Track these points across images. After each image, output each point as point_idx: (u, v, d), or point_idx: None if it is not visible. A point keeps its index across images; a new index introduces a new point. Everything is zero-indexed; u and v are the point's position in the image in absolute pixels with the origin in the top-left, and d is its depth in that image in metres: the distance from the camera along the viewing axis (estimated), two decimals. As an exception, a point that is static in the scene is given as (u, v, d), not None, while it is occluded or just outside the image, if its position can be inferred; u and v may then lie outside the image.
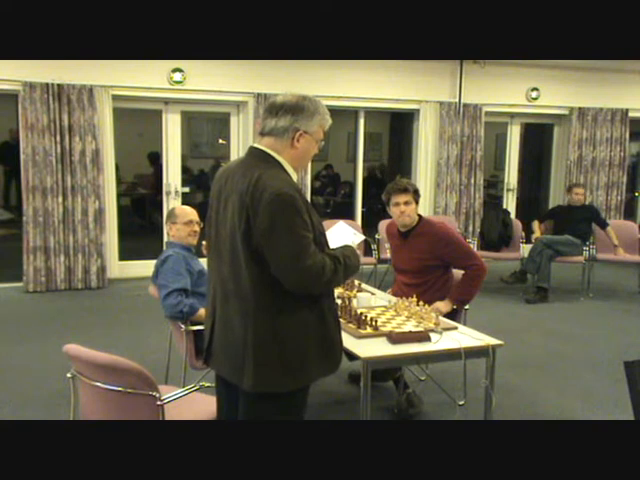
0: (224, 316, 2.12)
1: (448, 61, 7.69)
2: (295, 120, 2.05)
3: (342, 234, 2.52)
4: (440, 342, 2.86)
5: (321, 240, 2.06)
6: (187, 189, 7.39)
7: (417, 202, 3.71)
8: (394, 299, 3.51)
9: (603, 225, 6.83)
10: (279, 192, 1.93)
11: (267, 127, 2.09)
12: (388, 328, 2.98)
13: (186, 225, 3.53)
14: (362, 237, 2.70)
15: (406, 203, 3.65)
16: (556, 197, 8.72)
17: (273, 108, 2.08)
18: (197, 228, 3.56)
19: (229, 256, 2.06)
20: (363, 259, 6.66)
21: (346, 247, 2.21)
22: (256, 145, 2.11)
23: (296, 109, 2.06)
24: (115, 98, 6.57)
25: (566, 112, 8.43)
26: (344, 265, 2.08)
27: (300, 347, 2.03)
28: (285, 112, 2.06)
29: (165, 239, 6.53)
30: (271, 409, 2.06)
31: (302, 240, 1.95)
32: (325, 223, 2.22)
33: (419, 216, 3.76)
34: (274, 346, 2.01)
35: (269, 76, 6.93)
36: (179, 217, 3.55)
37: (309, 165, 7.37)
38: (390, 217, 3.84)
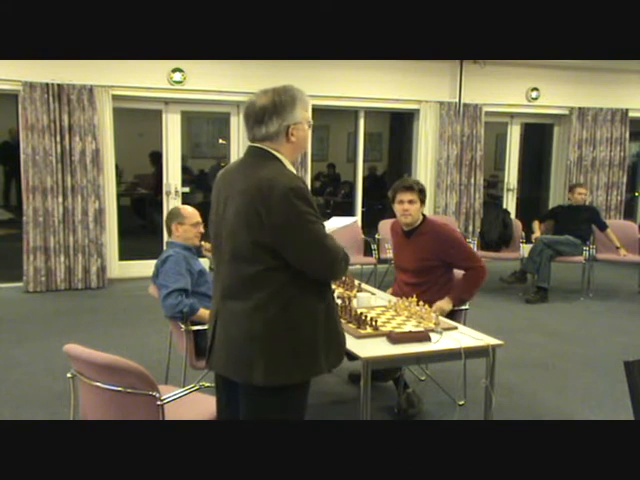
0: (226, 314, 2.13)
1: (448, 61, 7.69)
2: (283, 120, 2.08)
3: (337, 225, 2.60)
4: (440, 342, 2.86)
5: None
6: (187, 189, 7.39)
7: (423, 202, 3.70)
8: (394, 299, 3.51)
9: (602, 227, 6.83)
10: (290, 186, 1.97)
11: (258, 135, 2.11)
12: (388, 328, 2.98)
13: (193, 226, 3.55)
14: (355, 218, 2.83)
15: (410, 202, 3.65)
16: (556, 197, 8.72)
17: (256, 116, 2.10)
18: (202, 229, 3.59)
19: (229, 255, 2.08)
20: (363, 259, 6.69)
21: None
22: (255, 144, 2.13)
23: (278, 109, 2.07)
24: (115, 98, 6.57)
25: (566, 112, 8.43)
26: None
27: (310, 337, 2.07)
28: (269, 117, 2.08)
29: (165, 239, 6.55)
30: (275, 403, 2.07)
31: (317, 226, 2.03)
32: (325, 224, 2.25)
33: (423, 216, 3.76)
34: (285, 337, 2.04)
35: (269, 76, 6.92)
36: (187, 218, 3.56)
37: (309, 165, 7.39)
38: (391, 217, 3.84)
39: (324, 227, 2.07)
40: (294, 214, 1.97)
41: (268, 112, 2.07)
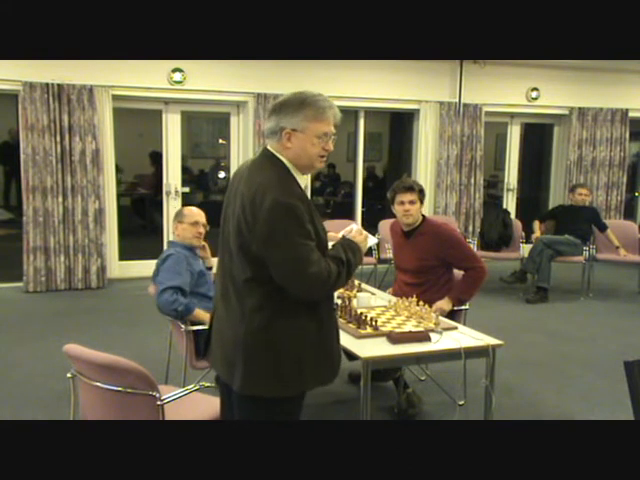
0: (222, 314, 2.13)
1: (448, 61, 7.69)
2: (279, 119, 2.01)
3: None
4: (440, 342, 2.86)
5: (323, 249, 2.03)
6: (187, 189, 7.39)
7: (422, 202, 3.70)
8: (394, 299, 3.51)
9: (602, 228, 6.82)
10: (278, 200, 1.89)
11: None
12: (388, 328, 2.98)
13: (192, 226, 3.53)
14: (375, 240, 2.59)
15: (411, 202, 3.65)
16: (556, 197, 8.72)
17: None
18: (202, 230, 3.56)
19: (229, 255, 2.07)
20: (363, 259, 6.65)
21: (346, 241, 2.14)
22: (267, 146, 2.09)
23: (280, 107, 2.03)
24: (115, 98, 6.57)
25: (566, 112, 8.43)
26: (347, 264, 2.04)
27: (294, 353, 2.00)
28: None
29: (168, 238, 6.55)
30: (261, 412, 2.04)
31: (302, 248, 1.91)
32: (326, 224, 2.19)
33: (423, 216, 3.76)
34: (266, 349, 1.99)
35: (269, 76, 6.93)
36: (186, 217, 3.55)
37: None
38: (391, 217, 3.84)
39: (313, 249, 1.93)
40: (278, 230, 1.89)
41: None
